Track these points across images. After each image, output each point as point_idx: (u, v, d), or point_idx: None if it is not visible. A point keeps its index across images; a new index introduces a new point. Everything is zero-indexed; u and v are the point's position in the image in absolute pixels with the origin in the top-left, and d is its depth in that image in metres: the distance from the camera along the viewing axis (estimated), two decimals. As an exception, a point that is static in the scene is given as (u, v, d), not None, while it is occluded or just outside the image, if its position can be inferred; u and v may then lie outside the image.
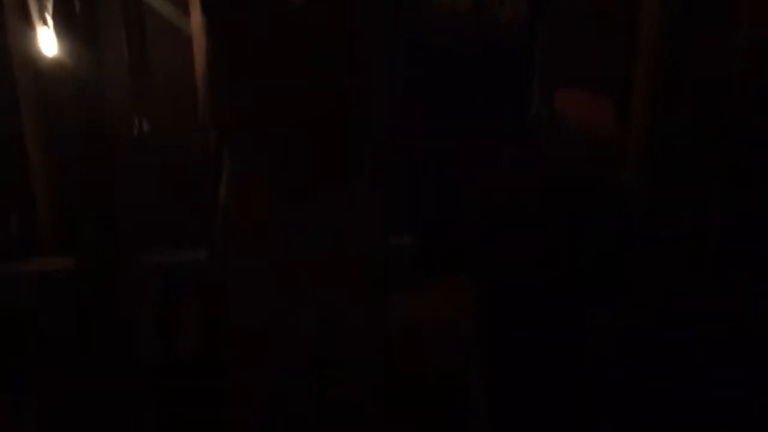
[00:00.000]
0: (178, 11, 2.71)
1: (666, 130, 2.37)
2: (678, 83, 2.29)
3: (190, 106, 2.50)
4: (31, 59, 2.53)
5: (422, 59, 2.06)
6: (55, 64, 2.39)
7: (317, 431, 1.99)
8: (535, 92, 2.34)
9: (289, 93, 1.64)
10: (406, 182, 2.13)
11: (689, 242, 2.36)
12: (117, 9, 2.25)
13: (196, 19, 2.48)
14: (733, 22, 2.30)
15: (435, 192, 2.46)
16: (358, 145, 1.76)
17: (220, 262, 1.84)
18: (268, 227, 1.76)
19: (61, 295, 2.37)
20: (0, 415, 2.22)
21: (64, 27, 2.23)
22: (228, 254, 1.81)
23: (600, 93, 2.30)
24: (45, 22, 2.43)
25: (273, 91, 1.65)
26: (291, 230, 1.75)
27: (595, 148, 2.18)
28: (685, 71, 2.32)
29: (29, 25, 2.48)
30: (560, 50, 2.32)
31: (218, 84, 1.75)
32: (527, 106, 2.34)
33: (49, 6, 2.42)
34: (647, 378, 2.24)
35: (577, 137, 2.16)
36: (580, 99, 2.27)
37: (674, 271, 2.32)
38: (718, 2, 2.36)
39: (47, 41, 2.43)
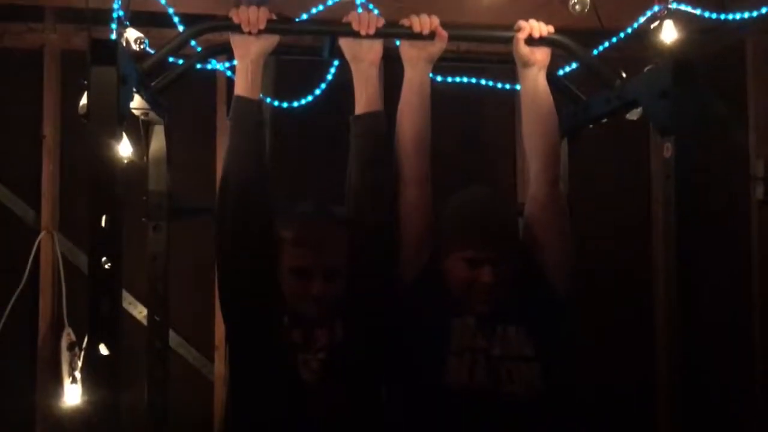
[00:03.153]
0: (203, 358, 3.03)
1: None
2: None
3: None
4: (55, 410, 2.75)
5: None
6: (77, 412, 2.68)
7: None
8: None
9: None
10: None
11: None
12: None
13: (219, 368, 2.97)
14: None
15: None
16: None
17: None
18: None
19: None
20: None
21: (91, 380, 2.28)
22: None
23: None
24: (74, 379, 2.77)
25: None
26: None
27: None
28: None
29: (58, 382, 2.79)
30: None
31: None
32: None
33: (79, 363, 2.75)
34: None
35: None
36: None
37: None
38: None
39: (73, 394, 2.77)
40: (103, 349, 1.53)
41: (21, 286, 2.88)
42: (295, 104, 2.91)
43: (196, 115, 2.99)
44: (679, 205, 1.80)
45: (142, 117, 2.10)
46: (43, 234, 2.92)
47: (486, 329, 1.85)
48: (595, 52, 2.64)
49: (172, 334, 3.02)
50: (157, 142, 2.21)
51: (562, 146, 2.27)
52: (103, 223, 1.54)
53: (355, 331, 1.86)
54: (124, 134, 2.02)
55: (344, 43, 1.96)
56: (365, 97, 1.93)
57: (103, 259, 1.54)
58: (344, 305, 1.85)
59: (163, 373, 2.24)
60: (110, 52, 1.56)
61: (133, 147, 2.10)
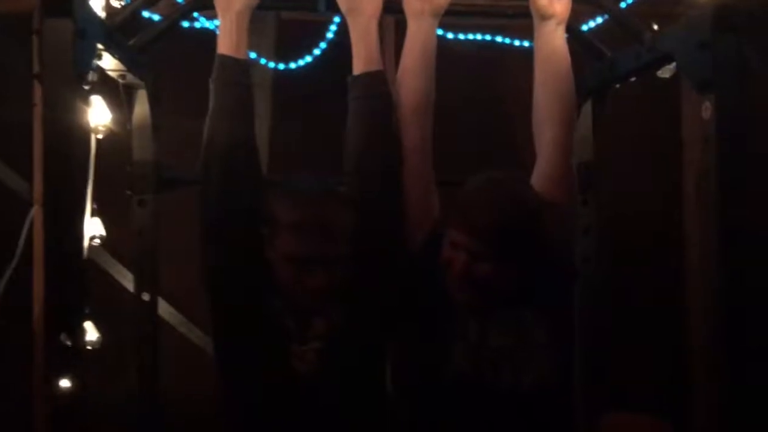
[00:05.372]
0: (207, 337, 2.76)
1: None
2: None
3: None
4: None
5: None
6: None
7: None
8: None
9: None
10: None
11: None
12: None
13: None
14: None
15: None
16: None
17: None
18: None
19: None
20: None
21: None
22: None
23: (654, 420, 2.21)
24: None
25: None
26: None
27: None
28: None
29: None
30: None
31: None
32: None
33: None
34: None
35: None
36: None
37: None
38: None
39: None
40: (65, 339, 1.38)
41: (15, 261, 2.74)
42: (293, 66, 2.72)
43: (189, 78, 2.80)
44: (721, 171, 1.58)
45: (121, 80, 1.92)
46: (35, 207, 2.77)
47: (488, 316, 1.64)
48: (623, 5, 2.40)
49: (173, 312, 2.90)
50: (141, 107, 2.02)
51: (586, 107, 2.08)
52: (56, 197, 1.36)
53: (355, 318, 1.66)
54: (100, 99, 1.85)
55: None
56: (364, 55, 1.72)
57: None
58: (344, 290, 1.64)
59: (151, 360, 2.06)
60: (64, 2, 1.37)
61: (113, 114, 1.92)
